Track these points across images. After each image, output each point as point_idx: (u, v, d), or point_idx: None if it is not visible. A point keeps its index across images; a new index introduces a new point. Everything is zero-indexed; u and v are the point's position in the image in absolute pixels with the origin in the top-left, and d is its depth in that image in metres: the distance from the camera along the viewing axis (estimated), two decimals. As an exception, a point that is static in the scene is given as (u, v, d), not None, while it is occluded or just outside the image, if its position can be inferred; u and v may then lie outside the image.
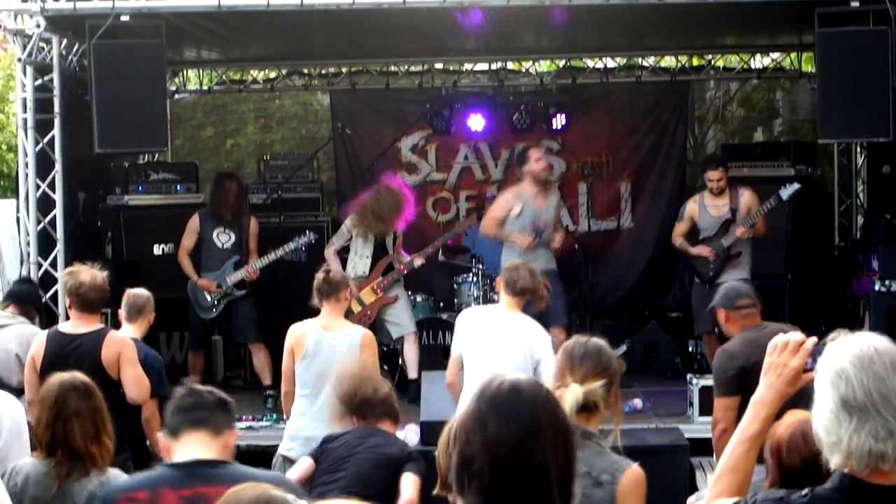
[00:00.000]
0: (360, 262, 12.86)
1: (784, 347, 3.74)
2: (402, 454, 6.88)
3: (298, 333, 8.76)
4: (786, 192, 12.44)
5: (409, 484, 6.68)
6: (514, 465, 3.25)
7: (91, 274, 8.09)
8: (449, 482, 4.34)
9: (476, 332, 8.87)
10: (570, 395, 4.71)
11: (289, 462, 8.44)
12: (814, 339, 3.70)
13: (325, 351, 8.60)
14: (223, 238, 12.83)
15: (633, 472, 4.80)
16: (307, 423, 8.58)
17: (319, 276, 8.85)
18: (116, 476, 5.43)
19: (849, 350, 3.38)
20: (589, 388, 4.76)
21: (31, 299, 10.36)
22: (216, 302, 12.72)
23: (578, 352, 4.96)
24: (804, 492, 3.46)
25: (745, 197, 12.56)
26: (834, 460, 3.37)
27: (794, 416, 3.96)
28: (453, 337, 9.16)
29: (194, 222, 12.87)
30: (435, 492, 4.41)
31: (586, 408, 4.76)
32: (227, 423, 4.80)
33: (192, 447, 4.67)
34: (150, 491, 4.64)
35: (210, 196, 13.35)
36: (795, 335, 3.75)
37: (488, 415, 3.30)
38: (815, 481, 3.58)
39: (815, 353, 3.62)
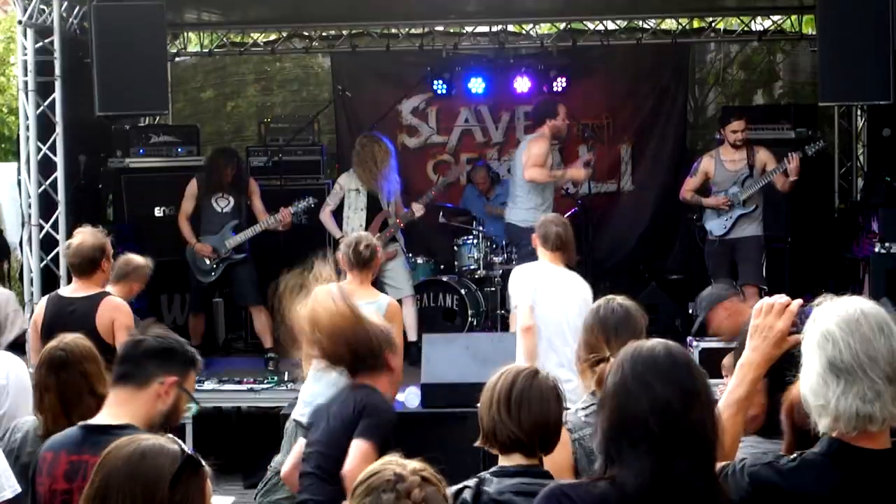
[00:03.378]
0: (354, 215, 12.86)
1: (769, 310, 3.75)
2: (352, 415, 6.12)
3: None
4: (811, 149, 12.50)
5: (353, 454, 5.97)
6: (682, 425, 3.36)
7: (82, 237, 8.12)
8: (497, 439, 4.39)
9: (540, 295, 8.78)
10: None
11: (301, 427, 8.34)
12: (799, 301, 3.72)
13: None
14: (222, 203, 12.83)
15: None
16: (322, 388, 8.22)
17: (361, 240, 8.47)
18: None
19: (835, 313, 3.40)
20: None
21: None
22: (215, 265, 12.73)
23: (613, 321, 5.02)
24: (793, 456, 3.49)
25: (761, 154, 12.53)
26: (822, 423, 3.40)
27: None
28: (516, 292, 8.95)
29: (192, 187, 12.87)
30: (478, 444, 4.48)
31: None
32: (158, 370, 4.53)
33: (110, 406, 4.54)
34: (53, 452, 4.51)
35: (206, 168, 13.31)
36: (781, 297, 3.77)
37: (653, 379, 3.41)
38: None
39: (801, 315, 3.64)
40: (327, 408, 6.32)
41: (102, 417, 4.51)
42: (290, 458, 6.67)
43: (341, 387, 6.48)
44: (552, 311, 8.79)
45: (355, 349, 6.17)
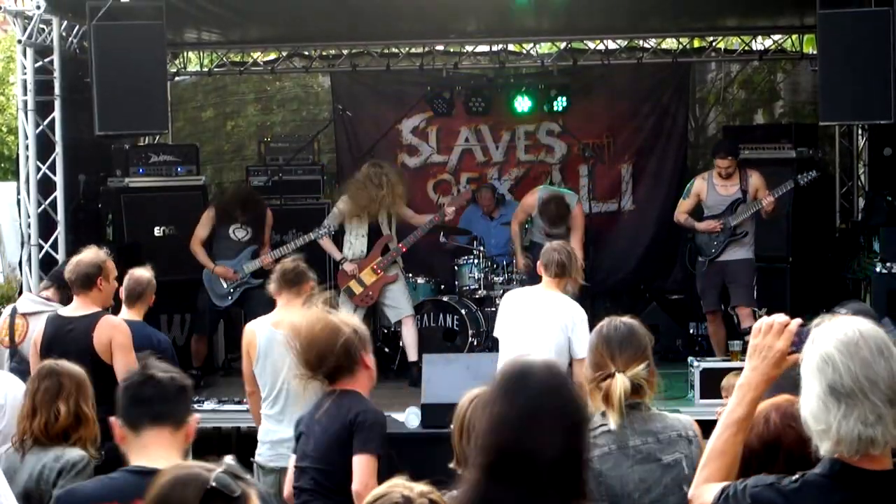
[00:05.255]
0: (356, 241, 12.86)
1: (769, 329, 3.72)
2: (345, 427, 6.02)
3: (250, 334, 8.34)
4: (804, 179, 12.50)
5: (359, 470, 5.96)
6: (513, 447, 3.29)
7: (82, 254, 8.14)
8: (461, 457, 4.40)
9: (513, 314, 8.89)
10: (620, 387, 4.82)
11: (261, 469, 8.27)
12: (798, 320, 3.69)
13: (277, 349, 8.01)
14: (240, 233, 12.82)
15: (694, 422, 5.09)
16: (271, 426, 8.26)
17: (287, 264, 8.33)
18: (78, 455, 5.45)
19: (834, 336, 3.37)
20: (633, 373, 4.87)
21: None
22: (232, 290, 12.71)
23: (617, 338, 5.01)
24: (794, 477, 3.46)
25: (754, 179, 12.50)
26: (824, 447, 3.37)
27: (769, 402, 3.95)
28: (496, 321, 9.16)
29: (210, 215, 12.83)
30: (451, 465, 4.43)
31: (635, 389, 4.87)
32: (188, 411, 4.53)
33: (155, 447, 4.38)
34: (119, 502, 4.35)
35: (224, 206, 13.17)
36: (780, 317, 3.74)
37: (496, 395, 3.37)
38: (771, 463, 3.63)
39: (800, 334, 3.61)
40: (312, 417, 6.26)
41: (154, 460, 4.30)
42: (287, 480, 6.62)
43: (321, 394, 6.33)
44: (527, 335, 8.75)
45: (334, 356, 6.06)
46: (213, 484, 3.19)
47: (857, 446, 3.31)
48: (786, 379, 3.72)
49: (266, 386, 8.33)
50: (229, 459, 3.35)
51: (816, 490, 3.40)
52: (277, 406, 8.29)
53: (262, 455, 8.29)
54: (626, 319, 5.15)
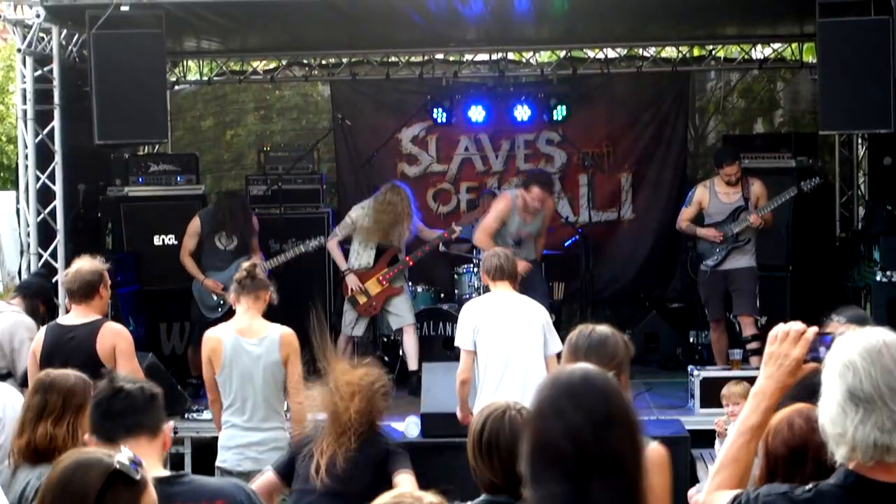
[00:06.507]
0: (364, 252, 12.86)
1: (785, 337, 3.71)
2: (383, 452, 6.47)
3: (214, 342, 8.28)
4: (807, 185, 12.54)
5: (410, 485, 6.23)
6: (593, 450, 3.29)
7: (80, 264, 8.15)
8: (480, 483, 4.36)
9: (487, 322, 8.75)
10: None
11: (226, 473, 8.25)
12: (815, 329, 3.69)
13: (244, 357, 8.16)
14: (224, 241, 12.78)
15: (652, 451, 4.72)
16: (238, 432, 8.22)
17: (241, 272, 8.33)
18: None
19: (857, 343, 3.38)
20: None
21: (38, 293, 10.34)
22: (222, 301, 12.69)
23: (583, 345, 4.95)
24: (808, 487, 3.45)
25: (756, 187, 12.55)
26: (839, 453, 3.36)
27: (791, 408, 3.95)
28: (459, 331, 8.92)
29: (195, 225, 12.80)
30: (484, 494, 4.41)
31: None
32: (162, 418, 4.47)
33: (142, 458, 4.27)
34: None
35: (213, 211, 13.19)
36: (796, 325, 3.73)
37: (566, 403, 3.35)
38: (799, 468, 3.63)
39: (816, 343, 3.61)
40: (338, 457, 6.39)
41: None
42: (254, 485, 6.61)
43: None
44: (503, 340, 8.69)
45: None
46: (117, 466, 3.26)
47: (871, 453, 3.30)
48: (799, 388, 3.72)
49: (231, 394, 8.24)
50: (126, 449, 3.40)
51: (830, 500, 3.39)
52: (245, 415, 8.24)
53: (227, 461, 8.22)
54: (601, 328, 5.07)
